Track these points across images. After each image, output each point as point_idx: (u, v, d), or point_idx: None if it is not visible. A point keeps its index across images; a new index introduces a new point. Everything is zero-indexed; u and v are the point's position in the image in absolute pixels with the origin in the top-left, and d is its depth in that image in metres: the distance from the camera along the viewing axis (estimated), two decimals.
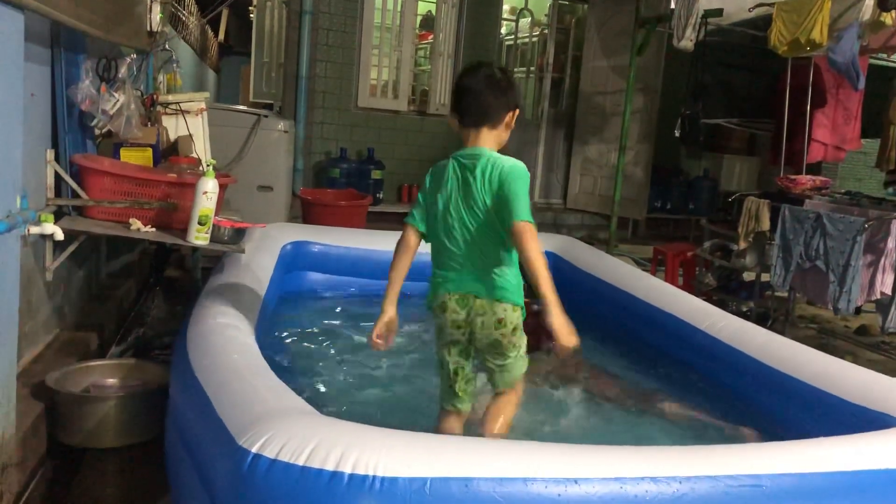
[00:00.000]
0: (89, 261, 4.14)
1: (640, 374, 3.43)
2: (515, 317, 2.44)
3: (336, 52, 8.04)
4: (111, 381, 3.23)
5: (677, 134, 6.18)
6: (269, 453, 1.65)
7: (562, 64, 9.40)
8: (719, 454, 1.89)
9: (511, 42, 9.86)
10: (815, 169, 6.27)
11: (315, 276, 4.25)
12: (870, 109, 6.47)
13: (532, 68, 9.55)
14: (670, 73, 8.22)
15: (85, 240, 3.52)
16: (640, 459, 1.80)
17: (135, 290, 4.80)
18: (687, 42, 5.88)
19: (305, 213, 5.87)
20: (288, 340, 3.55)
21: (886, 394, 2.44)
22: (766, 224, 4.98)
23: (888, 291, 4.31)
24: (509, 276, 2.44)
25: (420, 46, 9.32)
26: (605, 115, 8.79)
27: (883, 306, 4.42)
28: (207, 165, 3.35)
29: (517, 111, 2.47)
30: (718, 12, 5.79)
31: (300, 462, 1.61)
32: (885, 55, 5.83)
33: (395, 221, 6.73)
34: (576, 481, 1.69)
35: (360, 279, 4.29)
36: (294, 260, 4.16)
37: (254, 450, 1.67)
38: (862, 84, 4.93)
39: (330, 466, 1.60)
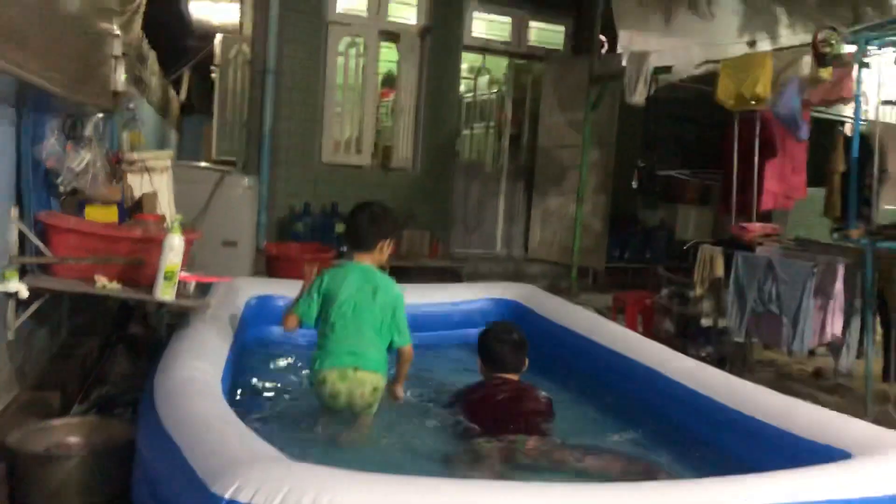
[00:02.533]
0: (51, 319, 4.09)
1: (606, 420, 3.47)
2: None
3: (299, 110, 8.16)
4: (74, 439, 3.18)
5: (634, 185, 6.36)
6: (243, 499, 1.66)
7: (520, 120, 9.66)
8: (685, 488, 1.95)
9: (470, 99, 10.11)
10: (765, 217, 6.47)
11: (280, 330, 4.25)
12: (815, 160, 6.75)
13: (491, 123, 9.78)
14: (624, 127, 8.49)
15: (47, 298, 3.50)
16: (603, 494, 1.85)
17: (97, 347, 4.74)
18: (639, 97, 6.12)
19: (270, 267, 5.89)
20: (254, 392, 3.54)
21: (841, 431, 2.53)
22: (720, 271, 5.14)
23: (839, 334, 4.45)
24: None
25: (382, 104, 9.50)
26: (563, 168, 9.00)
27: (835, 349, 4.57)
28: (174, 221, 3.38)
29: (391, 241, 3.23)
30: (668, 70, 6.04)
31: None
32: (825, 108, 6.11)
33: None
34: None
35: None
36: (259, 313, 4.17)
37: (227, 496, 1.68)
38: (805, 134, 5.17)
39: None
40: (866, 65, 4.93)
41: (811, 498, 1.97)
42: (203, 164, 7.32)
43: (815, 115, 6.63)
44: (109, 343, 5.07)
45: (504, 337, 3.28)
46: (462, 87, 9.78)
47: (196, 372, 2.74)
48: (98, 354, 4.74)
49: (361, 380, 3.04)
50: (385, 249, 3.22)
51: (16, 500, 2.85)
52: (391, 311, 3.13)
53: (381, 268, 3.26)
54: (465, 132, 10.01)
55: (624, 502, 1.82)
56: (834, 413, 2.69)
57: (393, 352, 3.24)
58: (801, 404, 2.82)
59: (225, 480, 1.73)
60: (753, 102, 5.21)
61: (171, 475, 2.04)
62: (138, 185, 4.35)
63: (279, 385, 3.69)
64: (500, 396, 3.11)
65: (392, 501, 1.66)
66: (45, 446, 3.04)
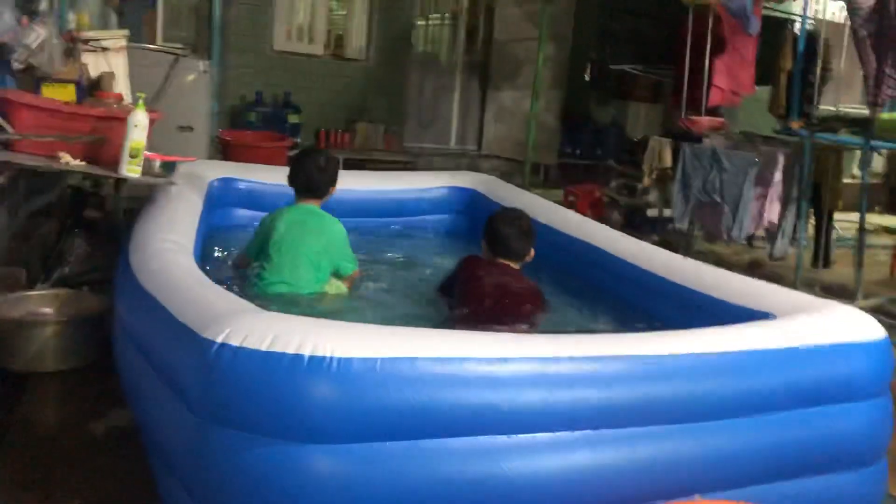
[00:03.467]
0: (11, 199, 4.12)
1: (560, 298, 3.71)
2: None
3: None
4: (48, 310, 3.32)
5: (587, 79, 6.48)
6: (234, 342, 1.83)
7: (476, 11, 9.57)
8: (629, 339, 2.20)
9: None
10: (713, 113, 6.69)
11: (242, 213, 4.36)
12: (763, 58, 6.93)
13: (447, 15, 9.68)
14: (580, 21, 8.52)
15: (4, 178, 3.52)
16: (559, 343, 2.08)
17: (56, 230, 4.79)
18: None
19: (225, 154, 5.91)
20: (221, 266, 3.69)
21: (768, 296, 2.81)
22: (668, 161, 5.38)
23: (775, 220, 4.76)
24: None
25: None
26: (518, 62, 9.02)
27: (771, 235, 4.88)
28: (137, 98, 3.41)
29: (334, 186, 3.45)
30: None
31: (262, 348, 1.81)
32: (776, 4, 6.25)
33: None
34: (504, 360, 1.95)
35: None
36: (222, 194, 4.26)
37: (219, 340, 1.84)
38: (755, 28, 5.33)
39: (291, 350, 1.79)
40: None
41: (736, 348, 2.23)
42: (157, 45, 7.15)
43: (765, 12, 6.77)
44: (66, 226, 5.12)
45: (512, 221, 3.21)
46: None
47: (170, 245, 2.86)
48: (56, 237, 4.79)
49: (294, 300, 3.21)
50: (331, 192, 3.46)
51: None
52: (332, 245, 3.33)
53: None
54: (421, 23, 9.88)
55: (597, 349, 2.06)
56: (761, 282, 2.97)
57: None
58: (732, 275, 3.09)
59: (215, 327, 1.89)
60: None
61: (159, 331, 2.19)
62: (93, 64, 4.31)
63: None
64: (491, 279, 3.10)
65: (373, 347, 1.84)
66: (21, 314, 3.17)
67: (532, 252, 3.23)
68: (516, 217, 3.25)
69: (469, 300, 3.08)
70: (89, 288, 3.73)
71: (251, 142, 6.20)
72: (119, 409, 2.77)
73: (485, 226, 3.25)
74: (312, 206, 3.41)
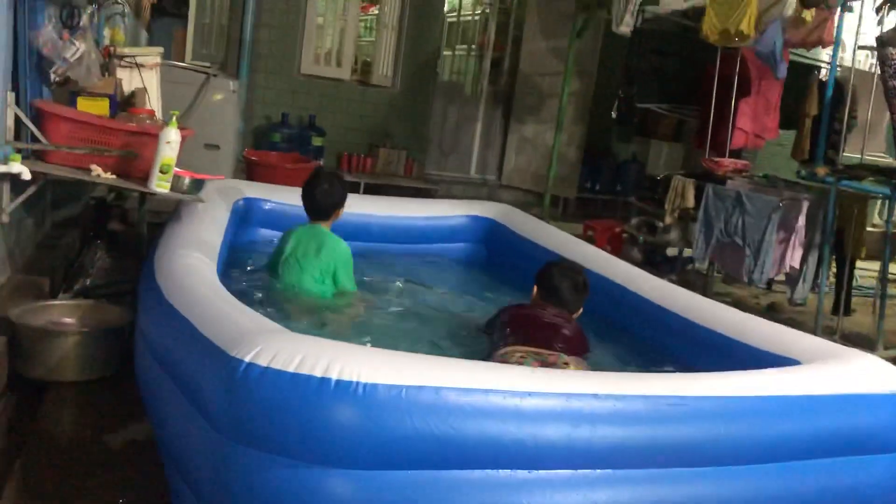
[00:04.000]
0: (37, 209, 4.18)
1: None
2: None
3: (281, 17, 8.11)
4: (69, 320, 3.35)
5: (614, 115, 6.53)
6: (262, 362, 1.84)
7: (502, 44, 9.67)
8: (653, 379, 2.19)
9: (454, 19, 10.07)
10: (736, 155, 6.70)
11: (267, 232, 4.40)
12: (787, 103, 6.95)
13: (473, 46, 9.79)
14: (606, 58, 8.60)
15: (35, 188, 3.57)
16: (583, 380, 2.08)
17: (78, 241, 4.84)
18: (625, 27, 6.22)
19: (251, 173, 5.98)
20: (245, 284, 3.72)
21: (793, 342, 2.80)
22: (690, 201, 5.39)
23: (797, 265, 4.75)
24: None
25: (364, 17, 9.44)
26: (542, 95, 9.11)
27: (792, 279, 4.87)
28: (171, 115, 3.46)
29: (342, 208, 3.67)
30: (655, 1, 6.14)
31: (290, 369, 1.82)
32: (804, 51, 6.29)
33: None
34: (529, 394, 1.95)
35: None
36: (248, 214, 4.31)
37: (247, 359, 1.86)
38: (783, 73, 5.35)
39: (318, 373, 1.81)
40: (850, 9, 5.10)
41: (761, 393, 2.22)
42: (188, 64, 7.27)
43: (793, 58, 6.81)
44: (88, 238, 5.18)
45: (569, 273, 3.18)
46: (446, 6, 9.74)
47: (195, 261, 2.89)
48: (79, 248, 4.85)
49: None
50: (339, 214, 3.67)
51: (17, 371, 3.02)
52: (335, 265, 3.52)
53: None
54: (447, 53, 10.01)
55: (620, 388, 2.05)
56: (785, 327, 2.96)
57: None
58: (756, 319, 3.09)
59: (244, 346, 1.91)
60: (737, 39, 5.37)
61: (184, 346, 2.21)
62: (127, 80, 4.38)
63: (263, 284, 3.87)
64: (542, 316, 3.04)
65: (399, 374, 1.85)
66: (44, 323, 3.20)
67: (581, 310, 3.20)
68: (576, 271, 3.22)
69: (516, 333, 2.98)
70: (109, 300, 3.76)
71: (276, 162, 6.27)
72: (137, 422, 2.78)
73: (539, 272, 3.24)
74: (320, 226, 3.62)
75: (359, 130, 8.58)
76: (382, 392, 1.81)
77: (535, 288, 3.22)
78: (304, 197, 3.65)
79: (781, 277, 5.29)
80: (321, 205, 3.60)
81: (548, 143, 8.61)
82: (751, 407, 2.18)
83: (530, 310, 3.14)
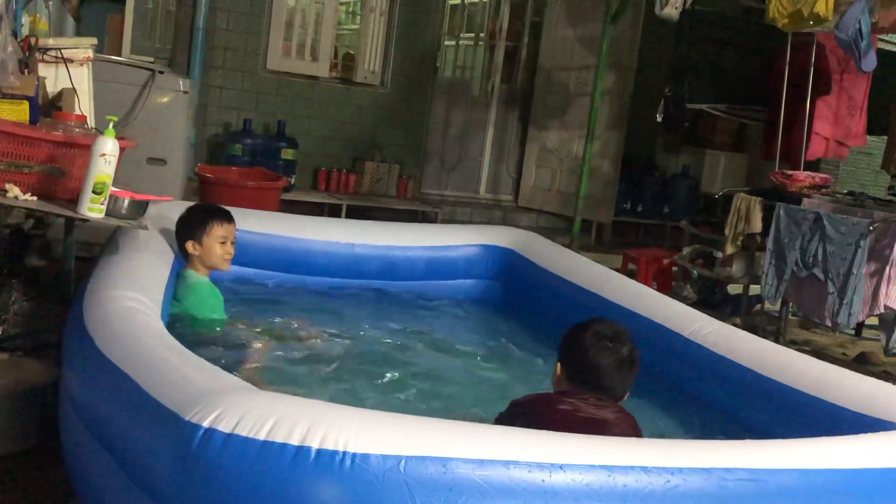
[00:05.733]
0: None
1: None
2: None
3: (242, 1, 8.20)
4: None
5: (659, 119, 6.58)
6: (224, 427, 1.85)
7: (518, 31, 9.78)
8: (713, 447, 2.19)
9: (457, 2, 10.19)
10: (813, 167, 6.76)
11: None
12: (876, 102, 7.00)
13: (482, 35, 9.89)
14: (648, 49, 8.69)
15: None
16: (629, 448, 2.09)
17: None
18: (672, 10, 6.30)
19: (204, 194, 6.01)
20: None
21: (889, 401, 2.80)
22: (757, 226, 5.41)
23: (893, 306, 4.75)
24: None
25: (345, 0, 9.56)
26: (569, 95, 9.18)
27: (887, 323, 4.87)
28: (107, 122, 3.50)
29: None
30: None
31: (260, 436, 1.83)
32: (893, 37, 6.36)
33: (309, 212, 6.94)
34: (561, 467, 1.95)
35: (279, 273, 4.50)
36: None
37: (205, 424, 1.87)
38: (870, 65, 5.39)
39: (295, 441, 1.81)
40: None
41: (848, 465, 2.23)
42: (128, 58, 7.36)
43: (882, 45, 6.89)
44: (2, 276, 5.20)
45: (609, 344, 2.63)
46: None
47: (135, 304, 2.90)
48: None
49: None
50: (194, 249, 3.84)
51: None
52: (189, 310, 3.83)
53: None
54: (449, 43, 10.12)
55: (675, 458, 2.06)
56: (880, 381, 2.97)
57: None
58: (842, 371, 3.09)
59: (201, 408, 1.92)
60: (812, 23, 5.42)
61: (124, 410, 2.22)
62: (52, 78, 4.43)
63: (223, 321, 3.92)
64: (578, 414, 2.56)
65: (396, 442, 1.86)
66: None
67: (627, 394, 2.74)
68: (616, 335, 2.67)
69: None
70: (27, 353, 3.77)
71: (236, 180, 6.31)
72: None
73: (565, 343, 2.75)
74: (185, 269, 3.91)
75: (340, 140, 8.65)
76: (375, 464, 1.81)
77: (559, 366, 2.74)
78: None
79: (874, 320, 5.29)
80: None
81: (576, 155, 8.66)
82: (839, 482, 2.18)
83: (557, 405, 2.61)
